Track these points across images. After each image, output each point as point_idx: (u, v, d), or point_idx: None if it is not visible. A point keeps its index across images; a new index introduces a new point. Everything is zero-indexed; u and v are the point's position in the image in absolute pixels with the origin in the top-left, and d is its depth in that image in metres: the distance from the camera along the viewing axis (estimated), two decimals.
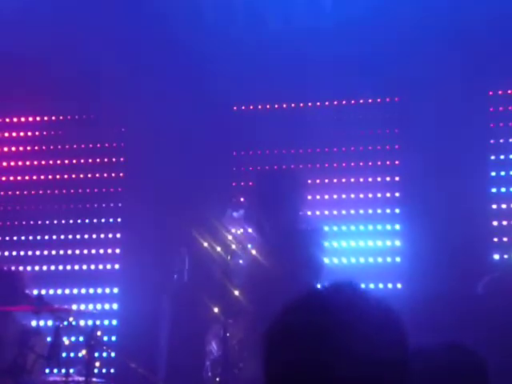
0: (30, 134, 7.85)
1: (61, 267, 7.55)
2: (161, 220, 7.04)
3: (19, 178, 7.78)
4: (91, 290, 7.43)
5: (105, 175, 7.70)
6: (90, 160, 7.73)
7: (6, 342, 5.75)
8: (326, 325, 1.58)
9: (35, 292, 6.52)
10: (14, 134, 7.86)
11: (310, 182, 7.07)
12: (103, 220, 7.62)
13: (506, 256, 6.77)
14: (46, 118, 7.86)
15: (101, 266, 7.50)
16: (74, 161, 7.75)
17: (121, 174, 7.69)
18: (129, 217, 7.50)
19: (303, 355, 1.57)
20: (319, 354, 1.56)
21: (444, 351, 2.58)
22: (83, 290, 7.43)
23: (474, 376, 2.55)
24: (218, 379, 5.12)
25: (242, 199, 5.68)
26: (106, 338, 6.95)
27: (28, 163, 7.80)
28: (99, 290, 7.43)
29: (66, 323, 5.36)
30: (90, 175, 7.71)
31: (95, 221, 7.63)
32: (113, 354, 6.59)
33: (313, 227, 5.63)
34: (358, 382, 1.54)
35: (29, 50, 7.35)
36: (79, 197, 7.68)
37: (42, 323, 6.88)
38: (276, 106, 7.48)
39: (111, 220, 7.61)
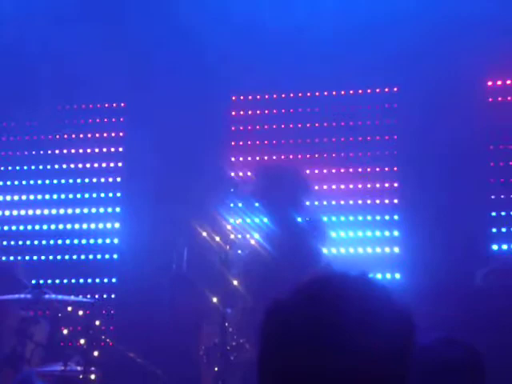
0: None
1: (59, 257, 7.55)
2: (160, 210, 7.03)
3: None
4: (89, 280, 7.43)
5: (103, 165, 7.71)
6: (89, 150, 7.75)
7: (5, 331, 5.76)
8: (323, 314, 1.55)
9: (33, 281, 6.52)
10: None
11: (308, 172, 7.07)
12: (102, 210, 7.62)
13: (504, 246, 6.77)
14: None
15: (99, 256, 7.51)
16: (73, 150, 7.78)
17: (119, 164, 7.69)
18: (128, 207, 7.49)
19: (298, 344, 1.54)
20: (315, 343, 1.53)
21: (442, 345, 2.57)
22: (81, 280, 7.43)
23: (472, 370, 2.55)
24: (216, 369, 5.13)
25: (241, 190, 5.68)
26: (104, 328, 6.95)
27: None
28: (97, 280, 7.43)
29: (64, 313, 5.36)
30: (88, 165, 7.72)
31: (94, 211, 7.63)
32: (111, 344, 6.58)
33: (312, 217, 5.63)
34: (359, 377, 1.51)
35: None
36: (78, 185, 7.69)
37: (40, 313, 6.88)
38: (275, 96, 7.47)
39: (110, 210, 7.61)
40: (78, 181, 7.70)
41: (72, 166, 7.74)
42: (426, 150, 6.83)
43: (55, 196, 7.71)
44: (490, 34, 6.68)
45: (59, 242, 7.58)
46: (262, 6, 7.16)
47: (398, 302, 1.62)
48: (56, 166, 7.76)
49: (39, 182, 7.77)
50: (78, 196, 7.67)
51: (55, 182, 7.75)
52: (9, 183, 7.83)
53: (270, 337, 1.61)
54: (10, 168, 7.85)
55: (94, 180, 7.69)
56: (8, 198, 7.78)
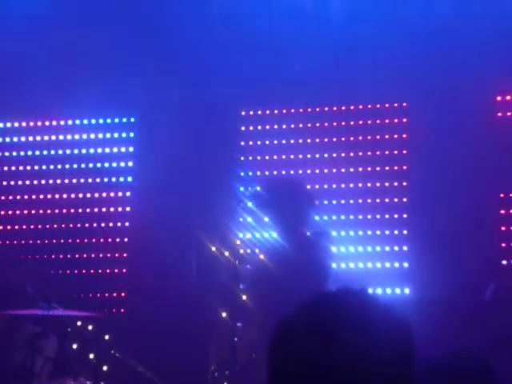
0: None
1: (68, 271, 7.58)
2: (169, 224, 7.04)
3: None
4: (98, 295, 7.45)
5: (113, 179, 7.74)
6: (99, 164, 7.80)
7: (15, 345, 5.77)
8: (331, 329, 1.58)
9: (44, 296, 6.54)
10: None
11: (317, 187, 7.08)
12: (111, 224, 7.65)
13: None
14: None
15: (108, 271, 7.53)
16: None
17: (129, 179, 7.71)
18: (137, 225, 7.51)
19: (306, 359, 1.57)
20: (323, 357, 1.56)
21: (452, 358, 2.57)
22: (91, 295, 7.45)
23: (484, 382, 2.54)
24: (226, 383, 5.13)
25: (249, 204, 5.70)
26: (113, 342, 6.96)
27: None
28: (106, 294, 7.45)
29: (73, 327, 5.37)
30: (98, 179, 7.76)
31: (103, 225, 7.66)
32: (120, 358, 6.59)
33: (321, 232, 5.64)
34: None
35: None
36: (87, 200, 7.73)
37: (49, 327, 6.89)
38: (284, 110, 7.49)
39: (119, 224, 7.64)
40: (88, 195, 7.74)
41: (74, 180, 7.78)
42: (436, 165, 6.83)
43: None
44: (499, 48, 6.69)
45: (69, 256, 7.61)
46: (271, 20, 7.18)
47: (397, 316, 1.66)
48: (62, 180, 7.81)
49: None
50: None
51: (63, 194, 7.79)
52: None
53: (277, 351, 1.64)
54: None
55: (104, 195, 7.73)
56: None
